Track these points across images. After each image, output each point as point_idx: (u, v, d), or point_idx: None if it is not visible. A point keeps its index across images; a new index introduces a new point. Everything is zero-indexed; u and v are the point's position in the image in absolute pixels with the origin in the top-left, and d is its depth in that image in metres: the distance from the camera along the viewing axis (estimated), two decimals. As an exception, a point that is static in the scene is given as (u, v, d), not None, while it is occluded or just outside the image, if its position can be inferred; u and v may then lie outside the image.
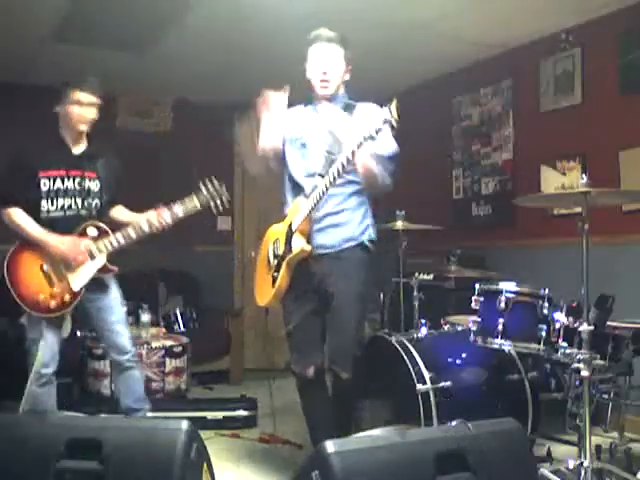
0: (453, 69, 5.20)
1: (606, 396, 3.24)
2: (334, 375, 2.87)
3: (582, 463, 2.56)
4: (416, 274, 3.95)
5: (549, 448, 3.09)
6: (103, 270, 3.05)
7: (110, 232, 3.06)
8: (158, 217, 3.05)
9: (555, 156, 4.43)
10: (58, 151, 3.10)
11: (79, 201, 3.07)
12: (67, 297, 2.99)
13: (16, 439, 1.89)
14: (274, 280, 2.91)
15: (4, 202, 3.03)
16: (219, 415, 3.99)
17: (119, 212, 3.27)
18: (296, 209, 2.86)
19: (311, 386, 2.95)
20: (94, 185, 3.11)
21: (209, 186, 3.07)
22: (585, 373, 2.58)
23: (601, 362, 2.81)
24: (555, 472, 2.66)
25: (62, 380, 4.72)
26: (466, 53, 4.85)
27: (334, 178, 2.66)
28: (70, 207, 3.05)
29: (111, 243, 3.03)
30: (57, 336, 3.08)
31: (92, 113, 3.09)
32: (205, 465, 2.04)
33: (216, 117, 5.89)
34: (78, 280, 3.00)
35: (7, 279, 3.02)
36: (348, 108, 2.95)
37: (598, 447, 2.99)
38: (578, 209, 2.74)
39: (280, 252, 2.90)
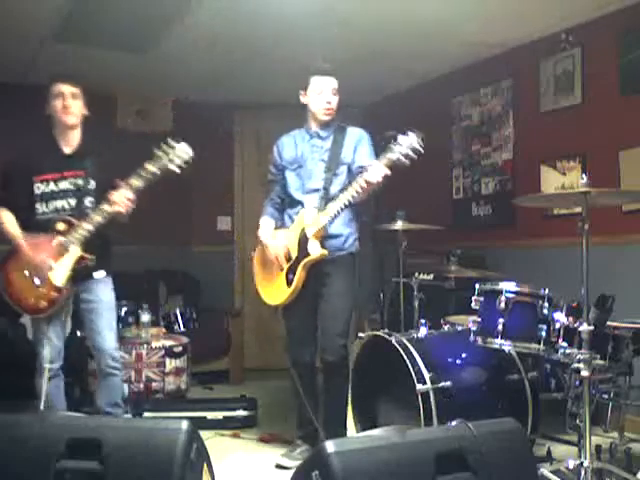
0: (453, 69, 5.19)
1: (606, 396, 3.24)
2: (323, 360, 3.33)
3: (582, 463, 2.56)
4: (416, 274, 3.95)
5: (549, 448, 3.08)
6: (80, 261, 3.04)
7: (76, 223, 3.03)
8: (118, 194, 2.99)
9: (555, 156, 4.42)
10: (50, 153, 3.12)
11: (73, 201, 3.08)
12: (53, 294, 3.02)
13: (16, 439, 1.89)
14: (289, 281, 3.30)
15: None
16: (219, 415, 3.99)
17: None
18: (305, 217, 3.30)
19: (304, 370, 3.41)
20: (87, 184, 3.10)
21: (163, 147, 2.99)
22: (585, 373, 2.58)
23: (601, 362, 2.80)
24: (555, 472, 2.66)
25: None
26: (466, 53, 4.85)
27: (352, 197, 3.11)
28: (64, 208, 3.07)
29: (80, 232, 3.01)
30: (60, 332, 3.14)
31: (76, 106, 3.09)
32: (205, 465, 2.04)
33: (216, 117, 5.89)
34: (58, 275, 3.01)
35: (1, 285, 3.09)
36: (340, 131, 3.41)
37: (598, 447, 2.99)
38: (578, 209, 2.74)
39: (294, 255, 3.29)
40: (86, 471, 1.86)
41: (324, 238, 3.27)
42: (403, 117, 5.60)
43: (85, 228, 3.00)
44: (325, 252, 3.25)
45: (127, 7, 3.94)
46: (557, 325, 2.83)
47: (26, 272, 3.03)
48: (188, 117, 5.84)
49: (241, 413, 4.04)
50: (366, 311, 5.35)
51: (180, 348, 4.53)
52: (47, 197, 3.07)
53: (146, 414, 3.90)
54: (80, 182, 3.09)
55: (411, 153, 2.99)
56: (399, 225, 3.79)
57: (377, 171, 3.02)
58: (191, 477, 1.89)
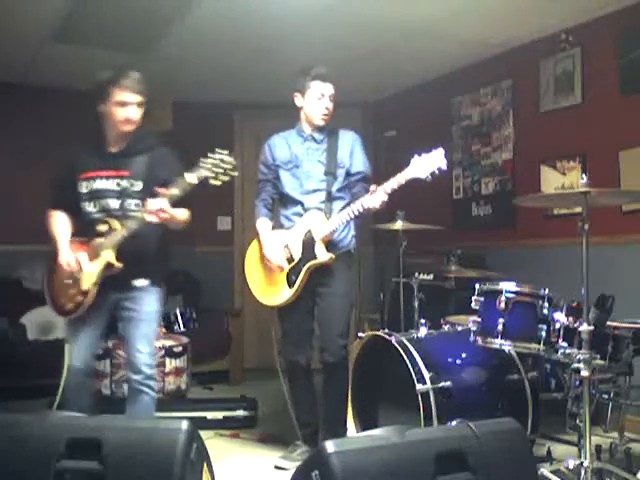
0: (453, 69, 5.19)
1: (606, 396, 3.24)
2: (323, 361, 3.33)
3: (582, 463, 2.56)
4: (416, 274, 3.95)
5: (549, 448, 3.08)
6: (108, 267, 2.87)
7: (116, 226, 2.87)
8: (153, 203, 2.78)
9: (555, 156, 4.42)
10: (96, 150, 2.96)
11: (116, 202, 2.90)
12: (79, 297, 2.89)
13: (16, 439, 1.89)
14: (291, 282, 3.30)
15: (50, 205, 3.02)
16: (219, 415, 3.99)
17: None
18: (311, 220, 3.30)
19: (300, 372, 3.44)
20: (132, 185, 2.91)
21: (209, 157, 2.78)
22: (585, 373, 2.58)
23: (601, 362, 2.81)
24: (555, 472, 2.66)
25: (62, 380, 4.78)
26: (466, 53, 4.85)
27: (361, 206, 3.12)
28: (109, 208, 2.91)
29: (115, 236, 2.85)
30: (91, 336, 2.97)
31: (136, 113, 2.89)
32: (205, 465, 2.04)
33: (216, 117, 5.89)
34: (87, 279, 2.88)
35: (45, 283, 3.02)
36: (332, 134, 3.44)
37: (598, 447, 2.99)
38: (578, 209, 2.74)
39: (298, 257, 3.30)
40: (86, 471, 1.86)
41: (328, 242, 3.28)
42: (403, 117, 5.62)
43: (120, 233, 2.84)
44: (333, 256, 3.26)
45: (127, 7, 3.94)
46: (557, 325, 2.84)
47: (63, 273, 2.93)
48: (188, 117, 5.84)
49: (241, 413, 4.04)
50: (366, 311, 5.35)
51: (180, 348, 4.53)
52: (92, 196, 2.92)
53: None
54: (124, 183, 2.91)
55: (436, 171, 3.02)
56: (399, 225, 3.79)
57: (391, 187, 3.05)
58: (191, 477, 1.89)
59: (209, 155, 2.76)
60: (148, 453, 1.86)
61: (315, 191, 3.35)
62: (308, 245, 3.28)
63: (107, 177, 2.91)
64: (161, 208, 2.75)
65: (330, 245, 3.29)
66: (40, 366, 4.67)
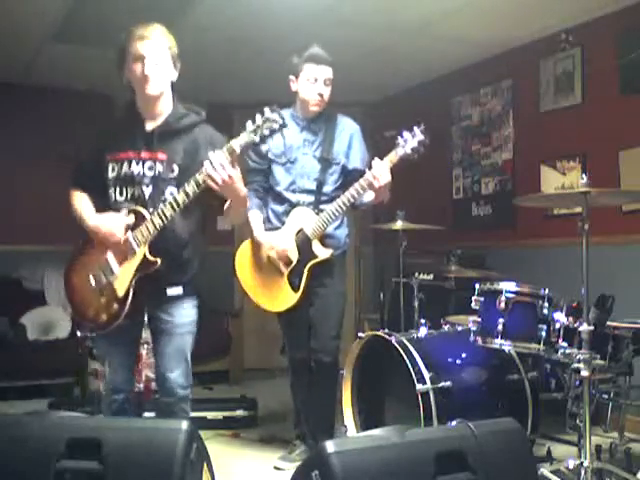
0: (453, 69, 5.20)
1: (606, 396, 3.24)
2: (318, 361, 3.26)
3: (582, 463, 2.56)
4: (416, 274, 3.95)
5: (549, 448, 3.08)
6: (144, 264, 2.41)
7: (148, 217, 2.41)
8: (214, 157, 2.31)
9: (555, 156, 4.43)
10: (128, 128, 2.50)
11: (149, 190, 2.45)
12: (115, 307, 2.42)
13: (16, 439, 1.89)
14: (295, 285, 3.17)
15: (73, 184, 2.57)
16: (219, 415, 3.99)
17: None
18: (300, 217, 3.19)
19: (303, 367, 3.35)
20: (169, 170, 2.45)
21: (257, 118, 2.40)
22: (585, 373, 2.58)
23: (601, 362, 2.81)
24: (555, 472, 2.66)
25: (62, 380, 4.78)
26: (466, 53, 4.85)
27: (352, 196, 3.04)
28: (140, 197, 2.45)
29: (148, 228, 2.39)
30: (126, 353, 2.58)
31: (160, 71, 2.42)
32: (205, 465, 2.04)
33: (217, 117, 5.88)
34: (121, 284, 2.42)
35: (66, 294, 2.58)
36: (330, 120, 3.28)
37: (598, 447, 2.99)
38: (578, 209, 2.74)
39: (296, 258, 3.16)
40: (86, 471, 1.86)
41: (323, 238, 3.19)
42: (403, 117, 5.61)
43: (155, 223, 2.37)
44: (332, 251, 3.17)
45: (127, 7, 3.94)
46: (557, 325, 2.83)
47: (92, 275, 2.47)
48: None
49: (241, 413, 4.03)
50: (366, 311, 5.35)
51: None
52: (121, 182, 2.46)
53: (146, 414, 3.90)
54: (160, 167, 2.45)
55: (418, 146, 2.99)
56: (399, 225, 3.79)
57: (382, 169, 2.94)
58: (191, 477, 1.89)
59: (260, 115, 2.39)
60: (148, 453, 1.86)
61: (308, 191, 3.24)
62: (304, 245, 3.16)
63: (140, 160, 2.45)
64: (223, 165, 2.29)
65: (326, 241, 3.19)
66: (40, 366, 4.68)
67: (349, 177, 3.25)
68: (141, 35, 2.44)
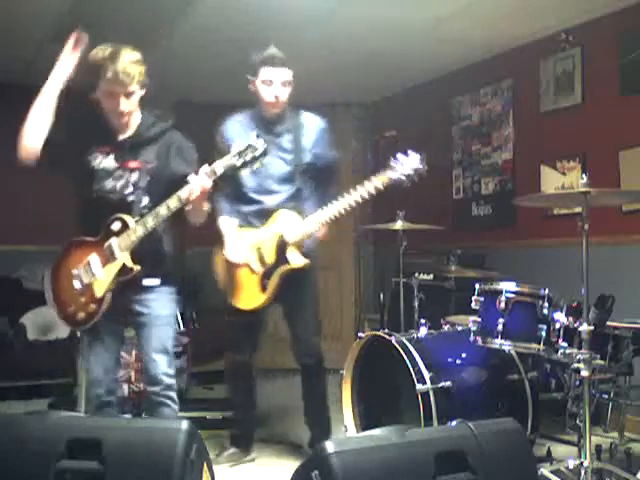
0: (453, 69, 5.19)
1: (606, 396, 3.24)
2: (303, 363, 3.29)
3: (582, 463, 2.56)
4: (416, 274, 3.95)
5: (549, 448, 3.09)
6: (123, 271, 2.55)
7: (131, 225, 2.55)
8: (195, 180, 2.46)
9: (555, 156, 4.42)
10: (104, 135, 2.63)
11: (128, 197, 2.59)
12: (92, 306, 2.56)
13: (16, 439, 1.89)
14: (263, 286, 3.12)
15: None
16: (219, 415, 3.98)
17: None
18: (283, 221, 3.12)
19: (243, 371, 3.35)
20: (143, 178, 2.59)
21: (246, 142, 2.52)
22: (585, 373, 2.58)
23: (601, 362, 2.81)
24: (555, 472, 2.66)
25: (62, 380, 4.78)
26: (466, 53, 4.85)
27: (344, 209, 2.99)
28: (119, 203, 2.59)
29: (130, 236, 2.53)
30: (110, 350, 2.66)
31: (133, 101, 2.58)
32: (205, 465, 2.04)
33: (218, 117, 5.88)
34: (100, 286, 2.55)
35: (49, 287, 2.72)
36: (294, 119, 3.22)
37: (598, 447, 2.99)
38: (578, 209, 2.74)
39: (270, 261, 3.11)
40: (86, 471, 1.86)
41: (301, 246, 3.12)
42: (403, 117, 5.62)
43: (137, 233, 2.52)
44: (307, 262, 3.10)
45: (127, 7, 3.94)
46: (557, 325, 2.84)
47: (75, 272, 2.59)
48: (189, 117, 5.82)
49: (241, 413, 4.03)
50: (366, 311, 5.35)
51: (180, 348, 4.53)
52: (103, 187, 2.60)
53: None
54: (134, 176, 2.58)
55: (413, 174, 2.95)
56: (399, 225, 3.79)
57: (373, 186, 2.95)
58: (191, 477, 1.89)
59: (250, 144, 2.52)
60: (148, 453, 1.86)
61: (275, 192, 3.17)
62: (281, 249, 3.09)
63: (116, 168, 2.59)
64: (204, 186, 2.46)
65: (302, 249, 3.11)
66: (40, 366, 4.68)
67: (319, 176, 3.23)
68: (115, 71, 2.52)
